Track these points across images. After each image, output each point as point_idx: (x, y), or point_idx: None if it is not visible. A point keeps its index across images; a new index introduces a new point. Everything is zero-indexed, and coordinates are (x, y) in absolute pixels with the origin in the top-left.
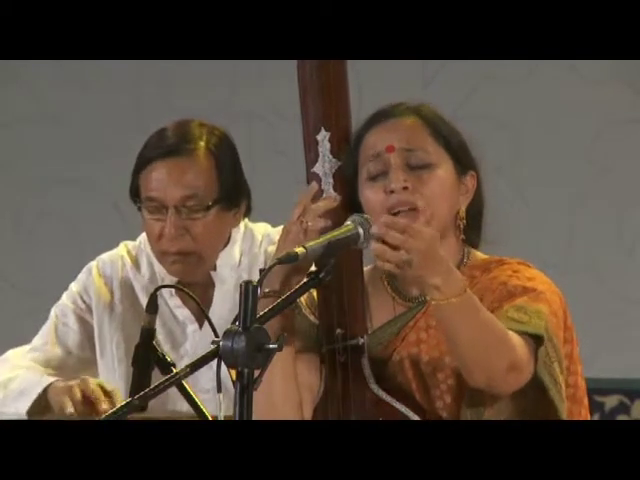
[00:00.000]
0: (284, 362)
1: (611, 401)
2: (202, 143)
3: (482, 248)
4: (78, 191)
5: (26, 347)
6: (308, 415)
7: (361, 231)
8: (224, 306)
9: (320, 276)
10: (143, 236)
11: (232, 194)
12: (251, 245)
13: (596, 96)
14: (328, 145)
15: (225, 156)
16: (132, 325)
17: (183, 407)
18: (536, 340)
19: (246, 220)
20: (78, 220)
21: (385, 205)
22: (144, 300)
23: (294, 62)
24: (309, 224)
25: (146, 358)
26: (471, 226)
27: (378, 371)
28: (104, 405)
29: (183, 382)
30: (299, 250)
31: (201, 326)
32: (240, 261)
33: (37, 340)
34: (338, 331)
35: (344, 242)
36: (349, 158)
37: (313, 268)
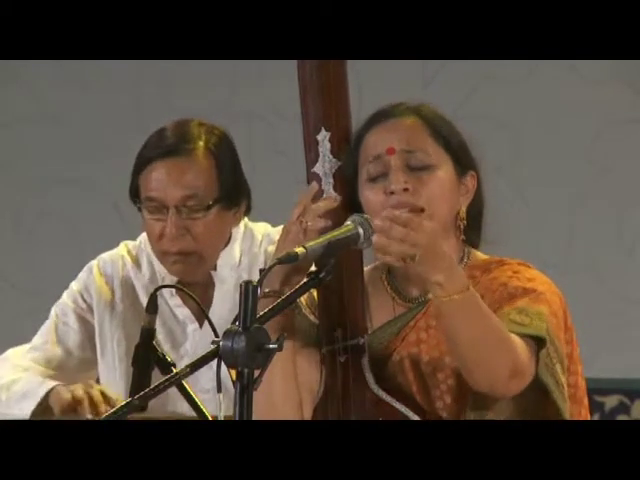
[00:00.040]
0: (284, 362)
1: (611, 401)
2: (201, 143)
3: (482, 248)
4: (78, 191)
5: (26, 346)
6: (308, 415)
7: (361, 231)
8: (224, 306)
9: (320, 276)
10: (143, 236)
11: (232, 193)
12: (251, 245)
13: (596, 96)
14: (328, 145)
15: (225, 155)
16: (133, 324)
17: (183, 408)
18: (537, 342)
19: (246, 220)
20: (78, 220)
21: (385, 206)
22: (144, 299)
23: (294, 62)
24: (309, 224)
25: (146, 358)
26: (471, 226)
27: (378, 371)
28: (103, 409)
29: (183, 382)
30: (299, 250)
31: (201, 326)
32: (240, 261)
33: (37, 339)
34: (338, 331)
35: (344, 242)
36: (349, 158)
37: (313, 268)
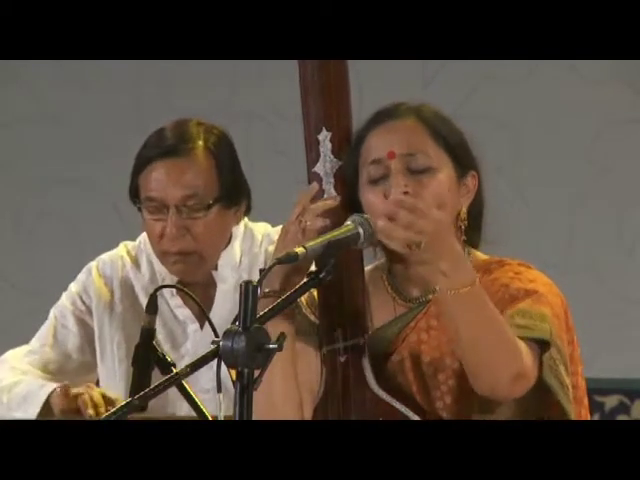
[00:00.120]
0: (284, 362)
1: (611, 401)
2: (201, 142)
3: (482, 248)
4: (78, 191)
5: (25, 348)
6: (308, 415)
7: (361, 231)
8: (225, 306)
9: (320, 276)
10: (143, 236)
11: (232, 192)
12: (251, 245)
13: (596, 96)
14: (329, 145)
15: (224, 155)
16: (132, 325)
17: (183, 409)
18: (541, 345)
19: (246, 220)
20: (78, 220)
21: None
22: (144, 300)
23: (294, 62)
24: (308, 224)
25: (146, 358)
26: (472, 226)
27: (378, 371)
28: (104, 411)
29: (183, 382)
30: (299, 250)
31: (202, 326)
32: (240, 261)
33: (35, 342)
34: (338, 331)
35: (344, 242)
36: (349, 158)
37: (313, 268)
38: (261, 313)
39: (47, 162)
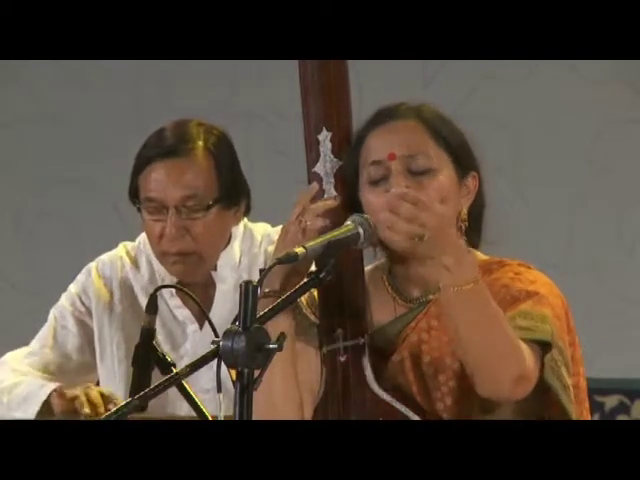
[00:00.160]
0: (284, 362)
1: (611, 401)
2: (200, 143)
3: (482, 248)
4: (78, 191)
5: (24, 349)
6: (309, 415)
7: (361, 231)
8: (224, 306)
9: (320, 276)
10: (142, 236)
11: (232, 193)
12: (251, 245)
13: (596, 96)
14: (329, 145)
15: (224, 155)
16: (132, 325)
17: (183, 409)
18: (543, 347)
19: (245, 220)
20: (78, 220)
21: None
22: (144, 300)
23: (294, 62)
24: (307, 223)
25: (146, 358)
26: (472, 227)
27: (379, 371)
28: (103, 410)
29: (183, 382)
30: (299, 250)
31: (201, 326)
32: (240, 261)
33: (35, 344)
34: (339, 331)
35: (344, 242)
36: (350, 159)
37: (313, 268)
38: (261, 313)
39: (47, 162)
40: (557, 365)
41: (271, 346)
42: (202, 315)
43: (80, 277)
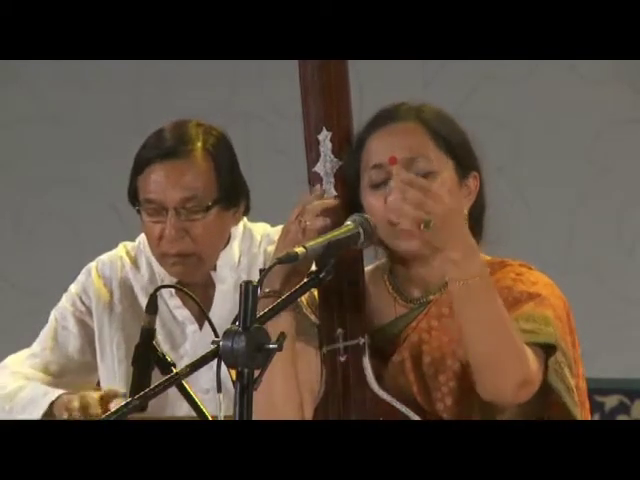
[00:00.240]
0: (284, 362)
1: (611, 401)
2: (199, 144)
3: (482, 248)
4: (78, 191)
5: (25, 352)
6: (309, 415)
7: (361, 231)
8: (224, 306)
9: (320, 276)
10: (142, 237)
11: (231, 194)
12: (250, 245)
13: (596, 96)
14: (330, 145)
15: (223, 156)
16: (132, 325)
17: (183, 409)
18: (546, 349)
19: (245, 220)
20: (78, 220)
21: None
22: (143, 300)
23: (294, 62)
24: (307, 223)
25: (146, 358)
26: (473, 228)
27: (379, 371)
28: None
29: (183, 382)
30: (299, 250)
31: (201, 326)
32: (239, 261)
33: (36, 346)
34: (339, 331)
35: (344, 242)
36: (351, 162)
37: (313, 268)
38: (261, 313)
39: (47, 162)
40: (561, 367)
41: (271, 346)
42: (202, 315)
43: (80, 277)
